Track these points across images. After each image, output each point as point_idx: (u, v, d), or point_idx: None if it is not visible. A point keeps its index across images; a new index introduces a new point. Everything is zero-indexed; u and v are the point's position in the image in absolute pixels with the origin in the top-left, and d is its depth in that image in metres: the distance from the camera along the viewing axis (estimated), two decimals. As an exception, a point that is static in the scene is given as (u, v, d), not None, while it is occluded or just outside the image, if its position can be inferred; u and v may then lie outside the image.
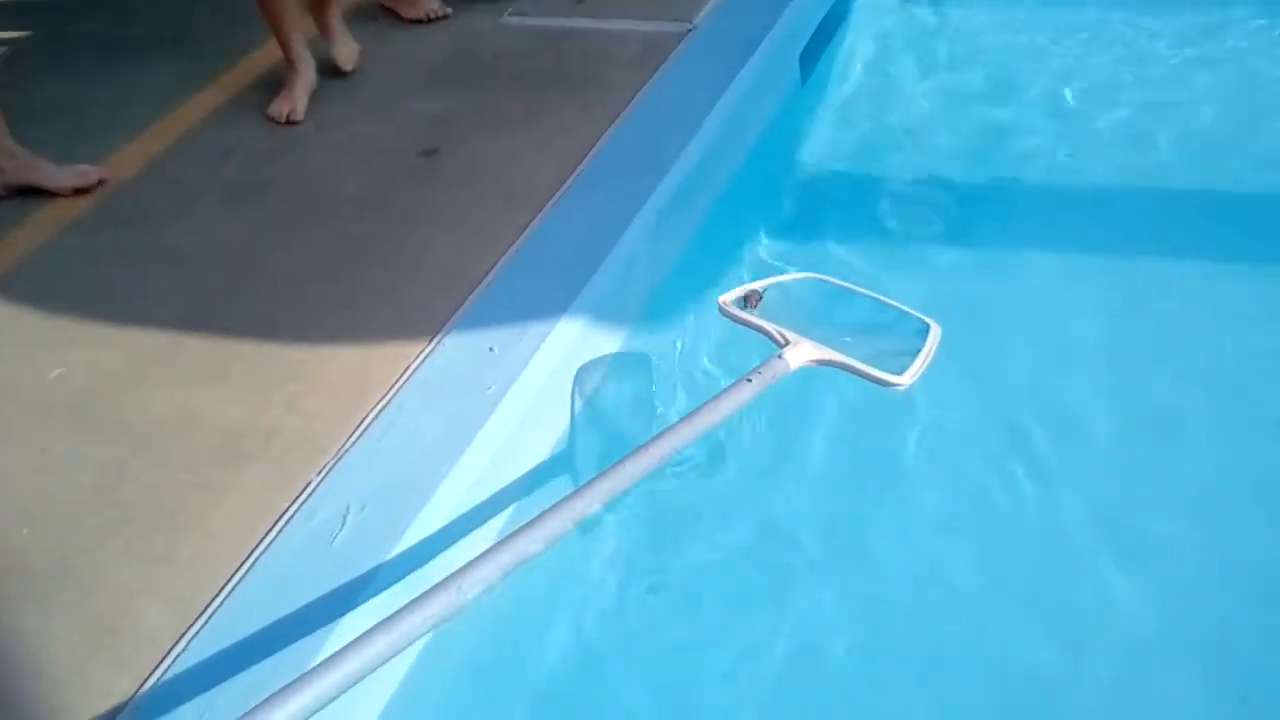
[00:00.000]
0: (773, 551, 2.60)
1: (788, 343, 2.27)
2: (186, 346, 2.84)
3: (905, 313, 2.39)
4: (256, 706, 1.55)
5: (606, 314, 2.88)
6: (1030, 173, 3.83)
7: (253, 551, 2.23)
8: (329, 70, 4.00)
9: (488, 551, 1.80)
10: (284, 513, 2.31)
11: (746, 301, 2.42)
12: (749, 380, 2.16)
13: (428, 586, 2.18)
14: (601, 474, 1.94)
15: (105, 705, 1.99)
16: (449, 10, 4.46)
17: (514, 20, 4.37)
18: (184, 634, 2.09)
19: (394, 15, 4.48)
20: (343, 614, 2.09)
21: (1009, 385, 2.93)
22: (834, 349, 2.25)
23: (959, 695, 2.32)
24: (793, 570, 2.56)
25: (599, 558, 2.54)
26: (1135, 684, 2.31)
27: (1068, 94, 4.09)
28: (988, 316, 3.15)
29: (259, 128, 3.79)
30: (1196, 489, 2.65)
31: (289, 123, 3.80)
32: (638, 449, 2.00)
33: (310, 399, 2.61)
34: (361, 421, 2.51)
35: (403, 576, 2.19)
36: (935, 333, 2.31)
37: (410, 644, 1.70)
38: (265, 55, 4.18)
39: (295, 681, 1.59)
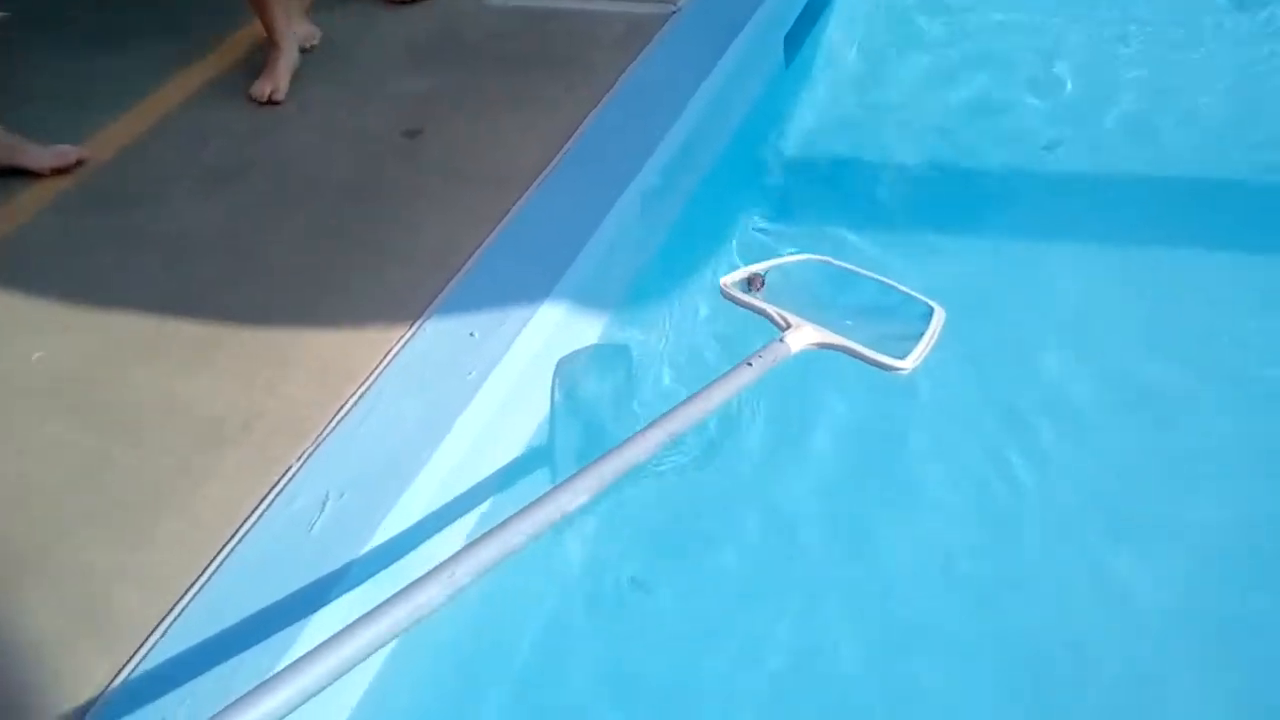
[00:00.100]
0: (769, 541, 2.60)
1: (789, 326, 2.25)
2: (167, 329, 2.83)
3: (909, 296, 2.37)
4: (239, 699, 1.54)
5: (589, 298, 2.88)
6: (1015, 155, 3.83)
7: (232, 537, 2.23)
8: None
9: (481, 538, 1.79)
10: (264, 498, 2.31)
11: (750, 284, 2.41)
12: (749, 364, 2.14)
13: (407, 573, 2.20)
14: (599, 459, 1.93)
15: (84, 690, 2.00)
16: None
17: (497, 1, 4.35)
18: (163, 619, 2.09)
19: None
20: (322, 600, 2.09)
21: (996, 365, 2.93)
22: (836, 332, 2.23)
23: (963, 684, 2.32)
24: (789, 559, 2.56)
25: (582, 546, 2.54)
26: (1143, 674, 2.32)
27: (1054, 76, 4.09)
28: (974, 297, 3.15)
29: (241, 109, 3.77)
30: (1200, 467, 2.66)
31: (271, 102, 3.79)
32: (636, 434, 1.98)
33: (291, 383, 2.61)
34: (342, 407, 2.51)
35: (382, 563, 2.19)
36: (939, 316, 2.30)
37: (401, 633, 1.69)
38: (247, 35, 4.16)
39: (280, 673, 1.57)
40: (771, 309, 2.31)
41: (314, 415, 2.50)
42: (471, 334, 2.65)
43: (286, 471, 2.36)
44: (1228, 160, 3.68)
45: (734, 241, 3.45)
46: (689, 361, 2.99)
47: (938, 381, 2.80)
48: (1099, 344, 3.01)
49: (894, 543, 2.58)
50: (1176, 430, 2.77)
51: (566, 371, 2.69)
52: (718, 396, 2.08)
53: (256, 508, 2.29)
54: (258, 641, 2.03)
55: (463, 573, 1.73)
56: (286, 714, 1.53)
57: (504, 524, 1.81)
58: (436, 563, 2.26)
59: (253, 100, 3.80)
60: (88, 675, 2.02)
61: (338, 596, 2.11)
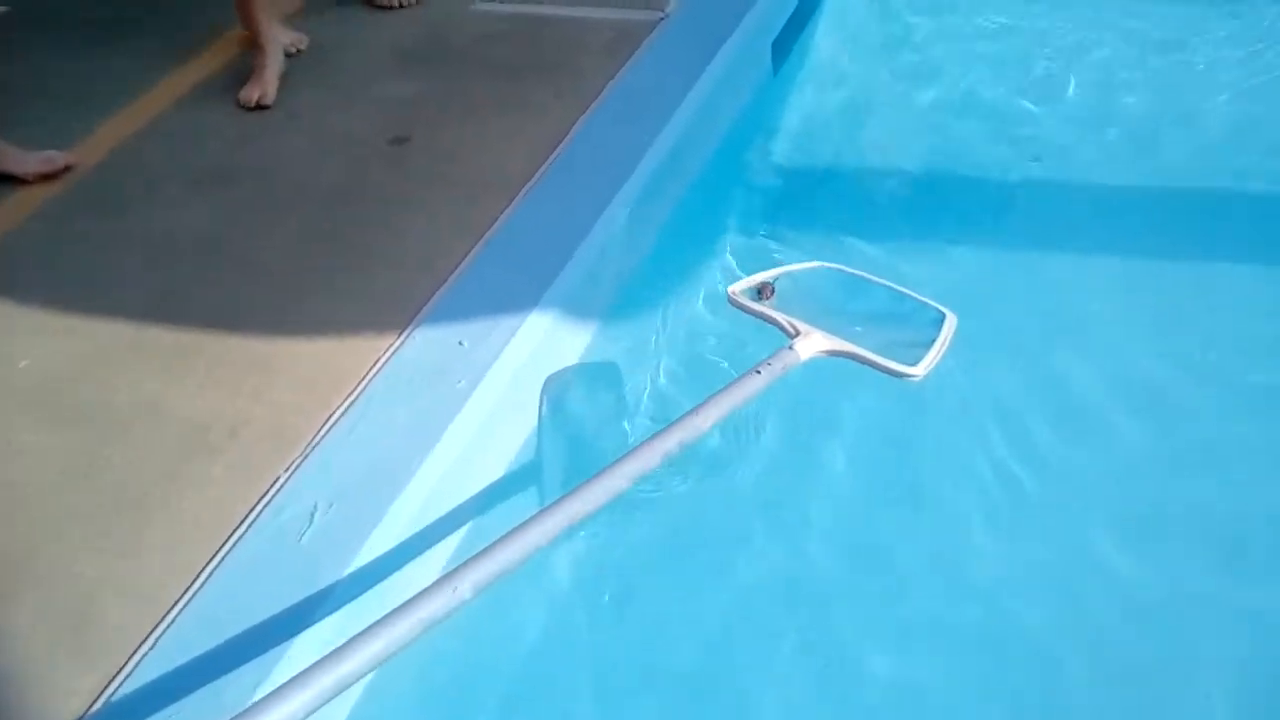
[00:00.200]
0: (777, 549, 2.60)
1: (798, 333, 2.24)
2: (155, 336, 2.82)
3: (921, 302, 2.36)
4: (242, 713, 1.53)
5: (578, 306, 2.88)
6: (1002, 163, 3.86)
7: (221, 547, 2.22)
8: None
9: (484, 550, 1.77)
10: (253, 508, 2.30)
11: (760, 293, 2.39)
12: (758, 371, 2.13)
13: (398, 583, 2.20)
14: (606, 469, 1.92)
15: (71, 704, 1.98)
16: None
17: (486, 6, 4.34)
18: (151, 631, 2.08)
19: (366, 1, 4.44)
20: (313, 612, 2.08)
21: (986, 369, 2.93)
22: (847, 339, 2.22)
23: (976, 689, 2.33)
24: (799, 567, 2.56)
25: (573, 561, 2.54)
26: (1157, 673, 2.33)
27: (1042, 84, 4.12)
28: (962, 302, 3.15)
29: (230, 113, 3.76)
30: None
31: (259, 107, 3.77)
32: (642, 444, 1.97)
33: (279, 391, 2.60)
34: (330, 415, 2.50)
35: (373, 573, 2.18)
36: (951, 322, 2.28)
37: (403, 648, 1.67)
38: (236, 38, 4.13)
39: (278, 689, 1.57)
40: (780, 316, 2.30)
41: (302, 423, 2.49)
42: (460, 342, 2.64)
43: (275, 481, 2.35)
44: (1225, 167, 3.70)
45: (723, 248, 3.45)
46: (679, 368, 3.00)
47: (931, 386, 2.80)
48: (1094, 347, 3.03)
49: (904, 549, 2.59)
50: (1179, 432, 2.79)
51: (555, 388, 2.68)
52: (725, 405, 2.07)
53: (245, 517, 2.28)
54: (248, 653, 2.01)
55: (466, 585, 1.72)
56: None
57: (507, 536, 1.79)
58: (427, 573, 2.28)
59: (241, 106, 3.79)
60: (74, 688, 2.00)
61: (328, 608, 2.10)
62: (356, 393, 2.55)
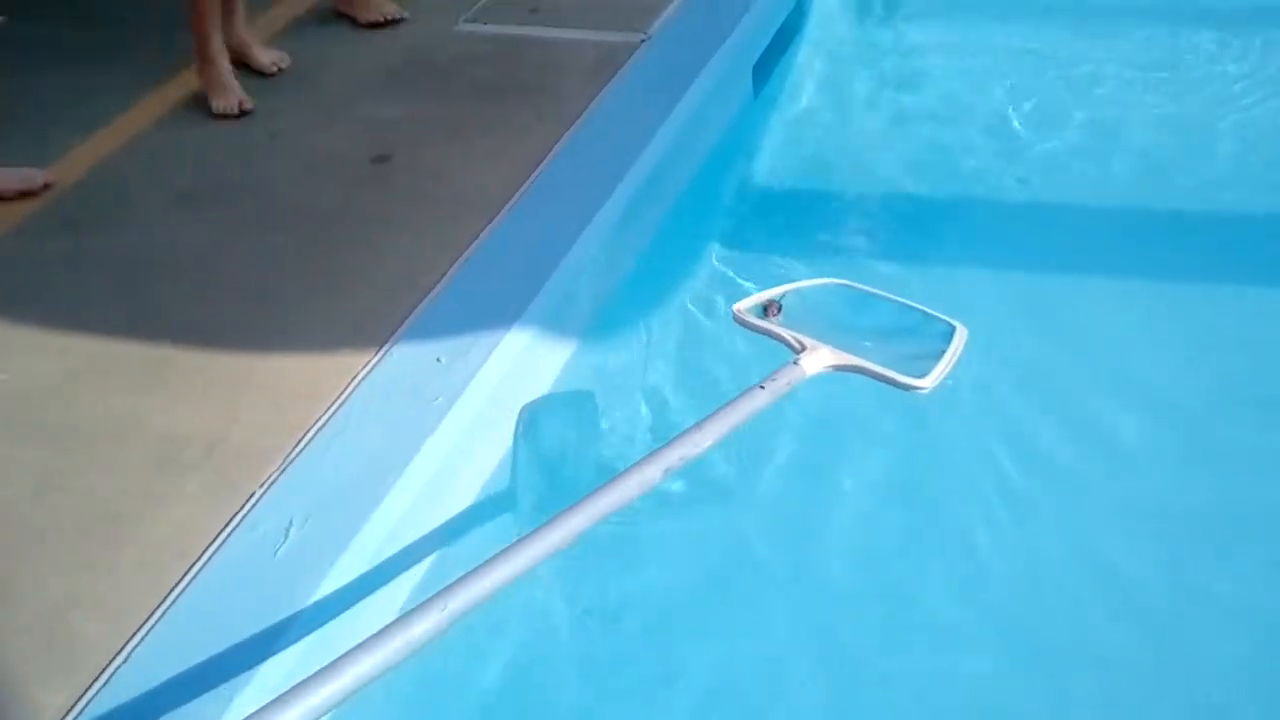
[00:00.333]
0: (782, 570, 2.61)
1: (804, 348, 2.23)
2: (131, 353, 2.80)
3: (930, 315, 2.36)
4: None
5: (557, 325, 2.88)
6: (979, 189, 3.87)
7: (194, 564, 2.21)
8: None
9: (477, 569, 1.75)
10: (227, 524, 2.29)
11: (766, 310, 2.38)
12: (761, 387, 2.12)
13: (373, 599, 2.19)
14: (602, 487, 1.90)
15: (41, 720, 1.97)
16: (405, 13, 4.44)
17: (470, 27, 4.35)
18: (123, 648, 2.06)
19: (350, 19, 4.45)
20: (287, 628, 2.07)
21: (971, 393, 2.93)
22: (854, 354, 2.21)
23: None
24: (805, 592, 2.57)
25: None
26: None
27: (1019, 112, 4.13)
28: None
29: (210, 132, 3.76)
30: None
31: (243, 112, 3.80)
32: (641, 460, 1.95)
33: (255, 408, 2.59)
34: (306, 432, 2.49)
35: (348, 590, 2.17)
36: (961, 335, 2.28)
37: (392, 668, 1.65)
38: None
39: (265, 707, 1.56)
40: (786, 332, 2.29)
41: (278, 440, 2.48)
42: (438, 359, 2.64)
43: (250, 498, 2.34)
44: (1179, 192, 3.73)
45: (703, 269, 3.46)
46: (659, 388, 3.00)
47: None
48: (1035, 376, 3.02)
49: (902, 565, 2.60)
50: (1177, 455, 2.81)
51: (531, 415, 2.67)
52: (728, 422, 2.05)
53: (220, 533, 2.27)
54: (222, 670, 1.99)
55: (458, 604, 1.69)
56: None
57: (501, 553, 1.77)
58: (403, 589, 2.27)
59: (224, 118, 3.80)
60: (44, 705, 1.98)
61: (303, 624, 2.08)
62: (333, 410, 2.54)
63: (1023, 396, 2.95)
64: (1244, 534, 2.61)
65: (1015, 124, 4.08)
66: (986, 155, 3.98)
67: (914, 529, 2.69)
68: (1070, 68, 4.39)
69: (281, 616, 2.08)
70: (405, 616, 1.69)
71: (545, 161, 3.45)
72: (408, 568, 2.32)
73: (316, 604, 2.12)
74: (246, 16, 4.07)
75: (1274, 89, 4.17)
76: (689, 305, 3.31)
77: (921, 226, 3.78)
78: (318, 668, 1.98)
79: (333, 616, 2.13)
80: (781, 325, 2.32)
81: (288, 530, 2.25)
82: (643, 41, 4.12)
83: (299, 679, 1.93)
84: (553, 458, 2.70)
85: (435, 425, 2.45)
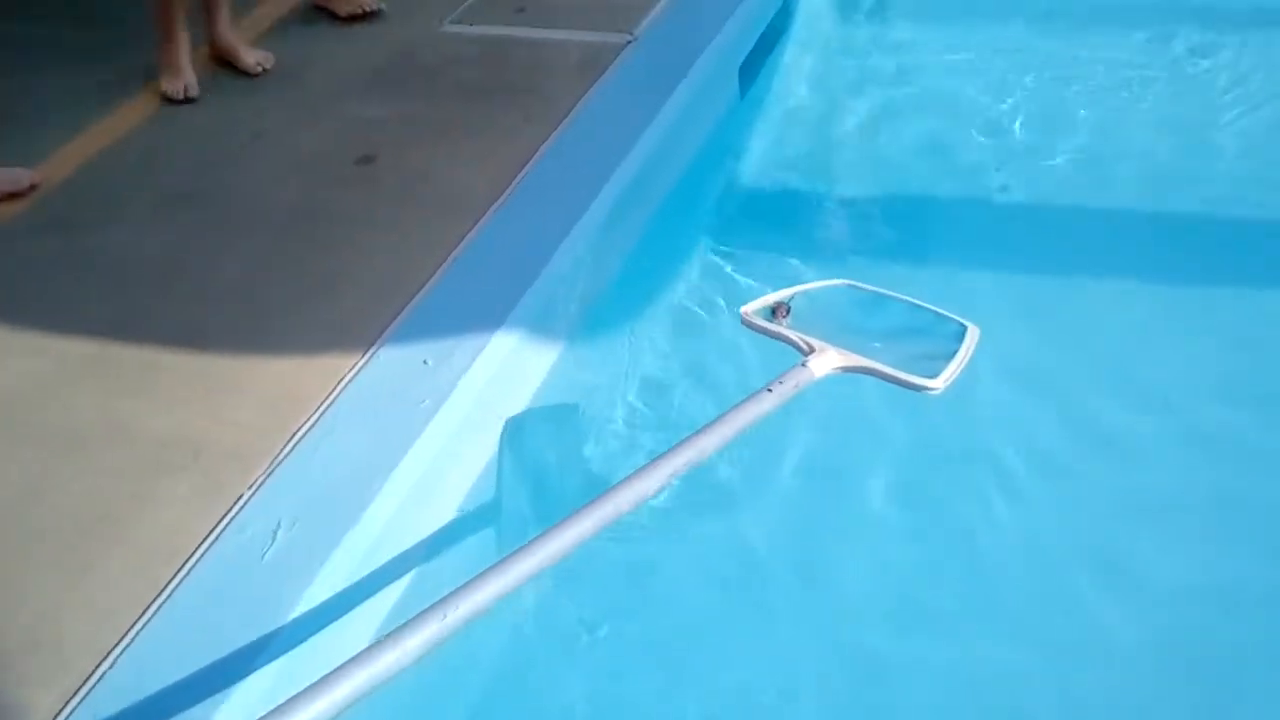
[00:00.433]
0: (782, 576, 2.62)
1: (812, 350, 2.21)
2: (117, 355, 2.81)
3: (941, 315, 2.34)
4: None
5: (543, 327, 2.89)
6: (966, 189, 3.88)
7: (182, 566, 2.21)
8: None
9: (477, 577, 1.73)
10: (215, 526, 2.29)
11: (774, 313, 2.37)
12: (769, 390, 2.10)
13: (361, 602, 2.20)
14: (607, 492, 1.88)
15: (29, 724, 1.97)
16: (382, 4, 4.46)
17: (456, 28, 4.35)
18: (111, 650, 2.07)
19: (328, 14, 4.46)
20: (275, 632, 2.07)
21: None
22: (864, 355, 2.20)
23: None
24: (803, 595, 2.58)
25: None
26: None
27: (1005, 113, 4.14)
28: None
29: (197, 133, 3.76)
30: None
31: (187, 100, 3.87)
32: (646, 466, 1.94)
33: (242, 410, 2.60)
34: (293, 435, 2.49)
35: (336, 594, 2.18)
36: (973, 335, 2.26)
37: (388, 679, 1.63)
38: (204, 57, 4.13)
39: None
40: (794, 334, 2.27)
41: (265, 442, 2.49)
42: (425, 361, 2.64)
43: (238, 500, 2.35)
44: (1171, 195, 3.75)
45: (690, 270, 3.47)
46: (646, 389, 3.01)
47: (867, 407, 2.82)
48: (1047, 377, 3.04)
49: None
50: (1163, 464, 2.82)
51: (517, 421, 2.67)
52: (735, 425, 2.03)
53: (207, 536, 2.28)
54: (210, 673, 2.00)
55: (457, 613, 1.68)
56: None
57: (501, 562, 1.75)
58: (392, 592, 2.28)
59: (168, 99, 3.88)
60: (32, 708, 1.99)
61: (292, 627, 2.09)
62: (320, 412, 2.55)
63: (1020, 394, 2.97)
64: (1247, 529, 2.63)
65: (1000, 124, 4.09)
66: (973, 156, 3.99)
67: (920, 529, 2.71)
68: (1058, 67, 4.40)
69: (270, 619, 2.09)
70: (401, 627, 1.67)
71: (531, 162, 3.45)
72: (396, 570, 2.33)
73: (304, 607, 2.13)
74: (231, 17, 4.07)
75: (1273, 89, 4.18)
76: (676, 306, 3.33)
77: (908, 227, 3.79)
78: (306, 670, 2.00)
79: (321, 619, 2.14)
80: (789, 327, 2.30)
81: (275, 533, 2.26)
82: (629, 42, 4.12)
83: (287, 681, 1.96)
84: (540, 461, 2.71)
85: (422, 428, 2.46)
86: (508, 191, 3.31)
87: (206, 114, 3.87)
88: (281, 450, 2.46)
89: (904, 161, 4.06)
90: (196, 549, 2.25)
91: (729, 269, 3.47)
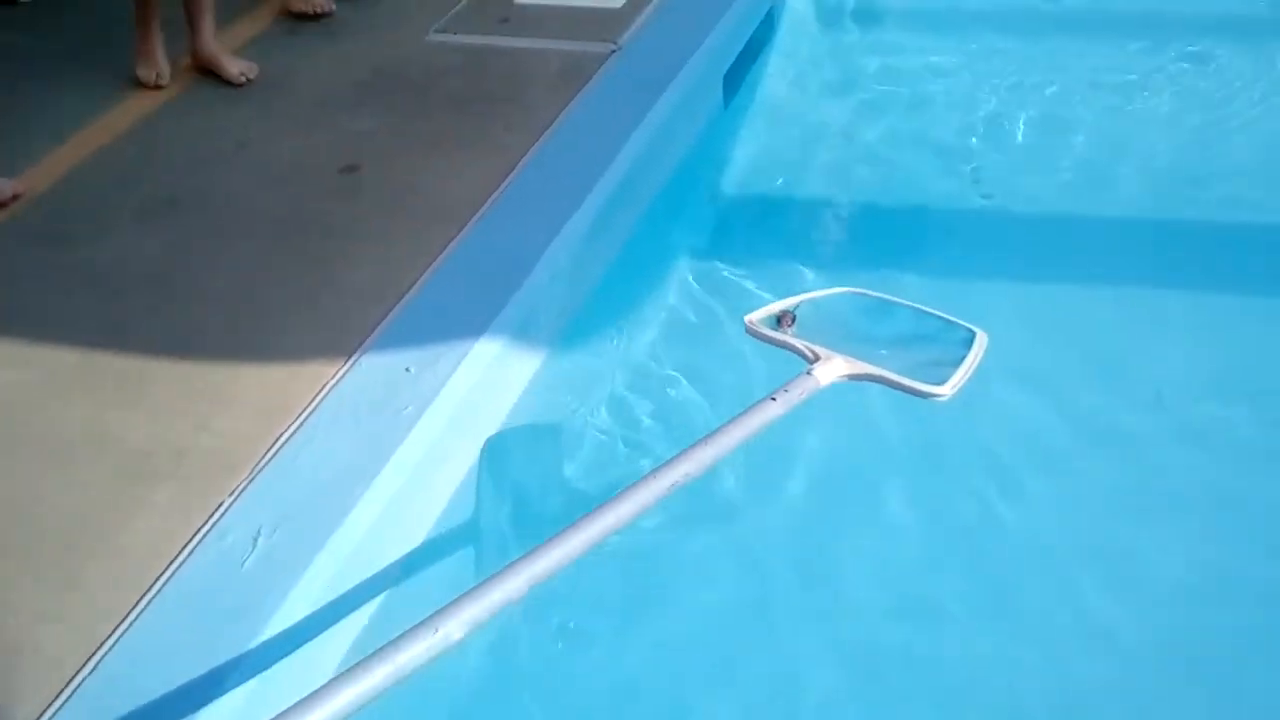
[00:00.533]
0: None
1: (818, 358, 2.17)
2: (99, 364, 2.80)
3: (949, 321, 2.31)
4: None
5: (526, 335, 2.89)
6: (951, 195, 3.90)
7: (162, 574, 2.21)
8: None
9: (472, 590, 1.68)
10: (195, 534, 2.29)
11: (779, 321, 2.33)
12: (773, 399, 2.05)
13: (341, 612, 2.20)
14: (608, 502, 1.84)
15: (7, 732, 1.96)
16: (332, 6, 4.52)
17: (440, 37, 4.36)
18: (89, 659, 2.06)
19: (286, 12, 4.53)
20: (256, 639, 2.07)
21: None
22: (870, 363, 2.17)
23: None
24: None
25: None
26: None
27: (987, 124, 4.16)
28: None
29: (180, 142, 3.76)
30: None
31: (158, 86, 3.98)
32: (647, 476, 1.89)
33: (224, 418, 2.59)
34: (275, 442, 2.49)
35: (317, 602, 2.17)
36: (981, 341, 2.23)
37: (376, 697, 1.58)
38: (183, 71, 4.13)
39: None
40: (799, 342, 2.24)
41: (247, 450, 2.48)
42: (407, 369, 2.64)
43: (219, 507, 2.34)
44: (1152, 199, 3.78)
45: (673, 279, 3.48)
46: (629, 397, 3.01)
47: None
48: (1043, 381, 3.04)
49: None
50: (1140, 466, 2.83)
51: (501, 431, 2.67)
52: (738, 435, 1.99)
53: (188, 544, 2.27)
54: (189, 683, 1.99)
55: (451, 627, 1.62)
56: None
57: (497, 575, 1.70)
58: (372, 599, 2.27)
59: (141, 84, 3.99)
60: (12, 717, 1.98)
61: (273, 635, 2.09)
62: (302, 419, 2.55)
63: (1016, 394, 2.98)
64: (1245, 527, 2.65)
65: (983, 132, 4.12)
66: (956, 163, 4.01)
67: (922, 529, 2.71)
68: (1044, 73, 4.44)
69: (251, 627, 2.09)
70: (393, 642, 1.62)
71: (515, 172, 3.46)
72: (377, 578, 2.33)
73: (285, 614, 2.12)
74: (214, 27, 4.07)
75: (1266, 93, 4.21)
76: (660, 314, 3.33)
77: (893, 234, 3.80)
78: (287, 678, 2.02)
79: (302, 627, 2.13)
80: (795, 335, 2.27)
81: (256, 540, 2.25)
82: (613, 52, 4.13)
83: (269, 689, 1.97)
84: (522, 470, 2.71)
85: (404, 435, 2.46)
86: (492, 200, 3.32)
87: (190, 124, 3.86)
88: (264, 457, 2.46)
89: (889, 169, 4.07)
90: (177, 556, 2.24)
91: (712, 277, 3.48)
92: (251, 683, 2.02)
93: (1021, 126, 4.12)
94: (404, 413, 2.52)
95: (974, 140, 4.10)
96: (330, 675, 2.11)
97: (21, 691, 2.02)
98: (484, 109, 3.85)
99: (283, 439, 2.50)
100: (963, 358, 2.18)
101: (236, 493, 2.37)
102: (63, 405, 2.69)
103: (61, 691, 2.01)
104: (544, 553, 1.75)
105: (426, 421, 2.50)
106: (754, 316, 2.35)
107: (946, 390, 2.11)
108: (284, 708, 1.53)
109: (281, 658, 2.06)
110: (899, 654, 2.46)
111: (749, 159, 4.17)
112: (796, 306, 2.36)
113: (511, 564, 1.72)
